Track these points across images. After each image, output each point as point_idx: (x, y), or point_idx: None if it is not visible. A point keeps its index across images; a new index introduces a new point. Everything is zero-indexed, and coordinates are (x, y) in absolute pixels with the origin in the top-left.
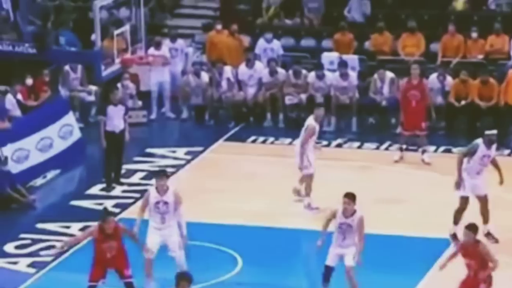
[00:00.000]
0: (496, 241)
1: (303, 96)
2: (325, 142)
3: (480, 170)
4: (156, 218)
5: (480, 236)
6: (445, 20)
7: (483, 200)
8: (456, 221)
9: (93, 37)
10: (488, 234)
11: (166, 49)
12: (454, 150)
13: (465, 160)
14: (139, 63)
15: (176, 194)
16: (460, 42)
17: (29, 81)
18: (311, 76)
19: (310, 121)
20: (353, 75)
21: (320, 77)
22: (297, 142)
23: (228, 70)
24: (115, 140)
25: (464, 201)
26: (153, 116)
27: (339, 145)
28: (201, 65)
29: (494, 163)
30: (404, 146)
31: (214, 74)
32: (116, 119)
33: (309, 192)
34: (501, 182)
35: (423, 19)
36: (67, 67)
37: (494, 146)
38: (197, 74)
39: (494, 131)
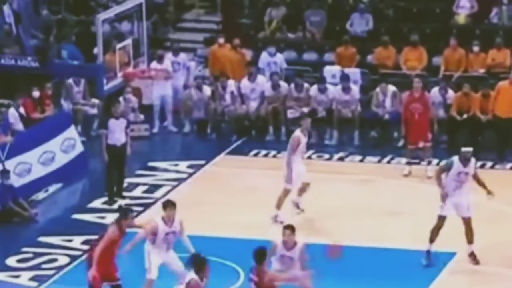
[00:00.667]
0: (477, 262)
1: (305, 110)
2: (327, 156)
3: (456, 187)
4: (162, 247)
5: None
6: (447, 34)
7: (467, 221)
8: (432, 239)
9: (95, 50)
10: (471, 255)
11: (169, 63)
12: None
13: (443, 176)
14: (141, 77)
15: (181, 223)
16: (462, 56)
17: (36, 93)
18: (313, 89)
19: (296, 132)
20: (355, 88)
21: (322, 90)
22: (284, 154)
23: (232, 84)
24: (116, 153)
25: (442, 220)
26: (155, 129)
27: (341, 159)
28: (203, 79)
29: (476, 179)
30: (411, 160)
31: (217, 88)
32: (117, 132)
33: (279, 206)
34: (489, 193)
35: (425, 32)
36: (70, 81)
37: (471, 164)
38: (199, 88)
39: (470, 149)
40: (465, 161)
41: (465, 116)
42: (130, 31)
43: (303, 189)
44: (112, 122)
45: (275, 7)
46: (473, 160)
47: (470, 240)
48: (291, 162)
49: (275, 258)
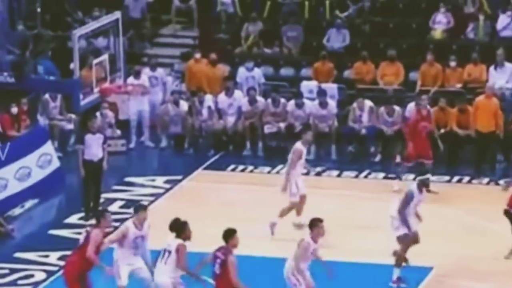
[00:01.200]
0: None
1: (282, 125)
2: (304, 171)
3: (414, 212)
4: (130, 252)
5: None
6: (424, 49)
7: (415, 236)
8: (399, 264)
9: (71, 66)
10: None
11: (146, 78)
12: (433, 178)
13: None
14: (118, 92)
15: (149, 227)
16: (439, 71)
17: (14, 109)
18: (290, 104)
19: (297, 144)
20: (332, 103)
21: (299, 105)
22: (285, 167)
23: (209, 99)
24: (93, 169)
25: (406, 239)
26: (132, 145)
27: (318, 174)
28: (180, 94)
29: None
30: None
31: (194, 103)
32: (94, 147)
33: (283, 215)
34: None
35: (401, 48)
36: (46, 96)
37: (424, 191)
38: (176, 103)
39: (428, 176)
40: (422, 189)
41: (442, 130)
42: (106, 46)
43: (301, 201)
44: (88, 137)
45: (252, 23)
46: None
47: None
48: (293, 175)
49: None
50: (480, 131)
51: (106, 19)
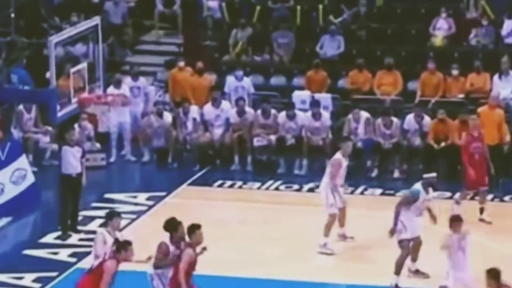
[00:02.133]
0: (427, 276)
1: (273, 138)
2: (296, 186)
3: (419, 214)
4: None
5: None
6: (424, 57)
7: (418, 240)
8: (398, 271)
9: (47, 75)
10: (417, 272)
11: (127, 87)
12: (434, 194)
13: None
14: (97, 103)
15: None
16: (440, 80)
17: None
18: (281, 116)
19: (337, 155)
20: (326, 115)
21: (291, 117)
22: (323, 180)
23: (194, 110)
24: (71, 184)
25: (407, 244)
26: (112, 159)
27: (311, 190)
28: (163, 105)
29: (427, 207)
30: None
31: (178, 114)
32: (72, 161)
33: (327, 233)
34: (432, 217)
35: (400, 55)
36: (20, 107)
37: (430, 189)
38: (159, 115)
39: (434, 174)
40: (428, 188)
41: (443, 144)
42: (85, 54)
43: (341, 213)
44: (66, 150)
45: (241, 29)
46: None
47: (414, 258)
48: (334, 187)
49: None
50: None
51: (84, 25)
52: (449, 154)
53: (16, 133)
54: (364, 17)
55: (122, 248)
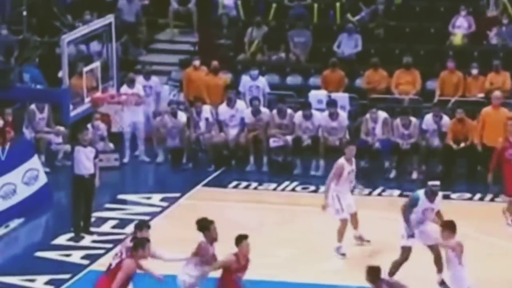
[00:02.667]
0: None
1: (289, 138)
2: (312, 188)
3: (423, 221)
4: None
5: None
6: (443, 56)
7: (434, 249)
8: (392, 272)
9: (60, 74)
10: (442, 283)
11: (140, 87)
12: (453, 196)
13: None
14: (111, 102)
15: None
16: (460, 79)
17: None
18: (298, 116)
19: (340, 159)
20: (343, 115)
21: (308, 117)
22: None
23: (207, 110)
24: (84, 185)
25: (407, 251)
26: (126, 159)
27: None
28: (178, 104)
29: (438, 215)
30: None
31: (192, 114)
32: (85, 162)
33: (340, 238)
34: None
35: (418, 54)
36: (32, 107)
37: (438, 198)
38: (173, 114)
39: (437, 182)
40: (432, 196)
41: (462, 145)
42: (98, 52)
43: (354, 220)
44: (79, 151)
45: (256, 27)
46: (440, 194)
47: (439, 269)
48: (336, 191)
49: None
50: (487, 145)
51: (98, 24)
52: (469, 154)
53: (28, 133)
54: (382, 15)
55: (140, 246)
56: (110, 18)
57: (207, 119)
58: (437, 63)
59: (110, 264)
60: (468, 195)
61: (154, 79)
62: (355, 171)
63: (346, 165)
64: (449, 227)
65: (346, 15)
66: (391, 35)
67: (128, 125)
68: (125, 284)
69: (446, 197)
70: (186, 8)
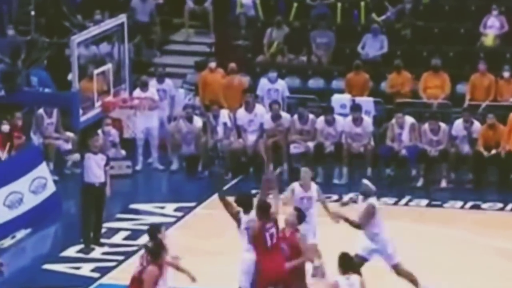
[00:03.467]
0: None
1: (311, 144)
2: (335, 197)
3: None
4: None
5: None
6: (473, 58)
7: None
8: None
9: (69, 77)
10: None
11: (154, 90)
12: (484, 206)
13: None
14: (123, 107)
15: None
16: (492, 82)
17: (5, 127)
18: (320, 121)
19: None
20: (367, 120)
21: (330, 122)
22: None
23: (225, 114)
24: (94, 194)
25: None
26: (138, 167)
27: (351, 200)
28: (193, 109)
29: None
30: None
31: (208, 119)
32: (95, 169)
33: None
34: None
35: (447, 56)
36: (40, 111)
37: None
38: (188, 119)
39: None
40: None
41: (494, 151)
42: (109, 54)
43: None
44: (89, 158)
45: (276, 27)
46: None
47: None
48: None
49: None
50: None
51: (109, 24)
52: (500, 162)
53: (36, 139)
54: (409, 15)
55: (158, 251)
56: (122, 18)
57: (225, 124)
58: (467, 65)
59: (134, 276)
60: (500, 205)
61: (169, 82)
62: (314, 199)
63: (296, 187)
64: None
65: (371, 15)
66: (419, 36)
67: (141, 131)
68: None
69: (476, 207)
70: (202, 7)
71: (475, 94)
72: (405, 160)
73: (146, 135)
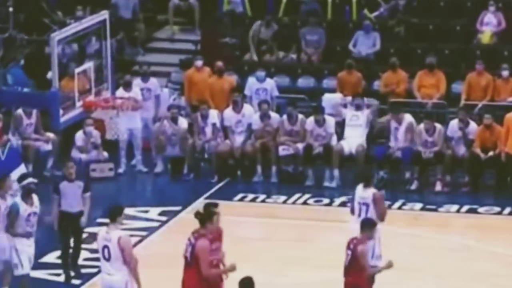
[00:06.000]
0: None
1: (300, 146)
2: (326, 201)
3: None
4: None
5: None
6: (470, 56)
7: None
8: None
9: (49, 75)
10: None
11: (138, 90)
12: (480, 210)
13: None
14: (105, 107)
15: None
16: (489, 81)
17: None
18: (309, 121)
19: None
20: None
21: (320, 123)
22: None
23: (214, 114)
24: (71, 222)
25: None
26: (121, 169)
27: (342, 204)
28: (178, 109)
29: None
30: None
31: (195, 120)
32: (71, 199)
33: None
34: None
35: (443, 54)
36: (19, 111)
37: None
38: (173, 120)
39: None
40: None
41: (491, 153)
42: (91, 52)
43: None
44: (65, 186)
45: (265, 27)
46: None
47: None
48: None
49: None
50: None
51: (91, 20)
52: (498, 164)
53: (14, 141)
54: (403, 11)
55: (207, 220)
56: (104, 15)
57: (214, 125)
58: (463, 64)
59: (186, 257)
60: (497, 208)
61: (153, 81)
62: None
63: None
64: None
65: (363, 11)
66: (413, 33)
67: (123, 132)
68: (211, 264)
69: (473, 211)
70: (187, 3)
71: (472, 94)
72: (398, 162)
73: (129, 136)
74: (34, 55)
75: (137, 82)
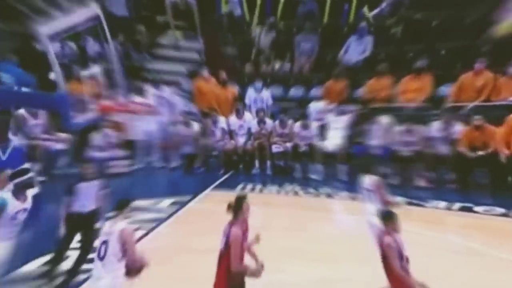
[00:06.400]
0: None
1: (289, 145)
2: (312, 190)
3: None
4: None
5: None
6: (470, 55)
7: None
8: None
9: (52, 76)
10: None
11: (151, 96)
12: (479, 210)
13: None
14: (122, 111)
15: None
16: (487, 81)
17: None
18: (297, 126)
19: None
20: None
21: (306, 126)
22: None
23: (222, 120)
24: (82, 223)
25: None
26: (138, 166)
27: (329, 195)
28: (190, 115)
29: None
30: None
31: (207, 124)
32: (85, 198)
33: None
34: None
35: (438, 55)
36: (21, 112)
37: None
38: (186, 124)
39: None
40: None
41: (481, 153)
42: (93, 54)
43: None
44: (80, 186)
45: (266, 31)
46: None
47: None
48: None
49: None
50: None
51: (82, 15)
52: (491, 163)
53: (17, 141)
54: (408, 5)
55: (238, 208)
56: (93, 9)
57: (222, 129)
58: (458, 64)
59: (220, 250)
60: (501, 209)
61: (167, 90)
62: None
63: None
64: None
65: (363, 9)
66: (411, 32)
67: (140, 133)
68: (242, 253)
69: (467, 209)
70: (184, 1)
71: (462, 95)
72: (377, 159)
73: (146, 136)
74: (26, 51)
75: (150, 89)
